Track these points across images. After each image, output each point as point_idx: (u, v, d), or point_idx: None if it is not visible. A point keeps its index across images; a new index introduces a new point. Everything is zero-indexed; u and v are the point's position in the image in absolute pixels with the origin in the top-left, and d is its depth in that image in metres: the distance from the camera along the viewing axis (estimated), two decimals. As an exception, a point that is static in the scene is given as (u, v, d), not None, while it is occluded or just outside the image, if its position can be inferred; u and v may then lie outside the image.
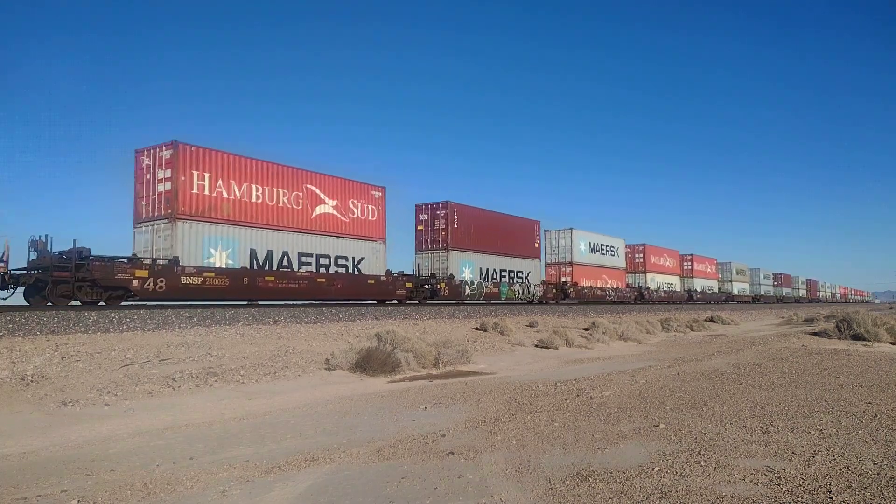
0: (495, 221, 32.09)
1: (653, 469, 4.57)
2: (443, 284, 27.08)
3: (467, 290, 28.74)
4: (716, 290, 64.34)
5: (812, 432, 5.77)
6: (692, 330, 23.86)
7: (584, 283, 39.13)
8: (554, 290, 36.25)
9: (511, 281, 32.47)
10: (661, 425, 6.10)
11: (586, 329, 19.18)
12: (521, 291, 33.02)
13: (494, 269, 31.43)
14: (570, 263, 38.58)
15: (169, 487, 4.30)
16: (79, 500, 4.03)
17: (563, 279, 37.80)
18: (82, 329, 11.01)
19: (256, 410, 7.19)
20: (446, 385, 9.21)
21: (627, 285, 46.36)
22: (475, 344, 14.17)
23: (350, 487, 4.29)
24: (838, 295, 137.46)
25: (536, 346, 15.32)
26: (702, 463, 4.73)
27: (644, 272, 50.80)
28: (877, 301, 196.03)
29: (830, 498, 3.92)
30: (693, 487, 4.14)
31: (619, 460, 4.85)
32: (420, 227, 29.18)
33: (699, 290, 59.78)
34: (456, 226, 28.73)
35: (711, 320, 29.14)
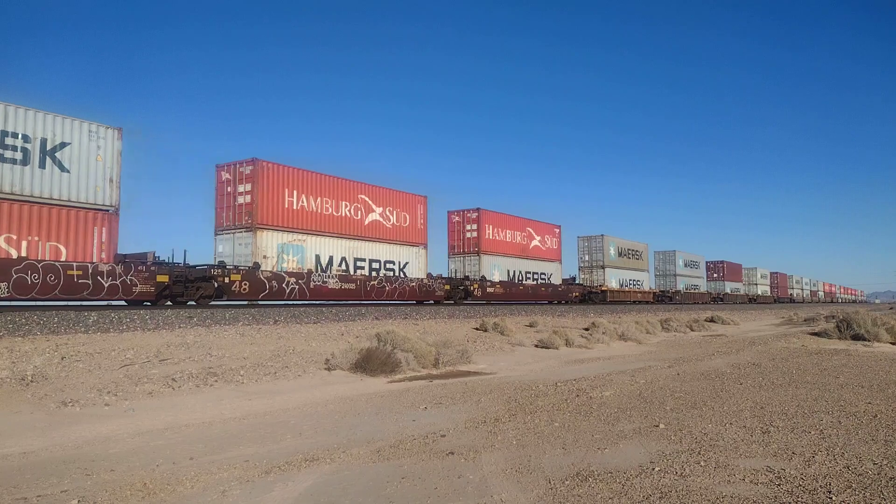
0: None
1: (653, 469, 4.57)
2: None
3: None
4: (561, 283, 38.94)
5: (812, 432, 5.77)
6: (692, 330, 23.97)
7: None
8: None
9: None
10: (662, 425, 6.10)
11: (586, 329, 19.19)
12: None
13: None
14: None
15: (169, 487, 4.30)
16: (79, 500, 4.03)
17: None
18: (82, 329, 11.02)
19: (256, 410, 7.19)
20: (446, 385, 9.21)
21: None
22: (475, 344, 14.17)
23: (350, 487, 4.29)
24: (821, 293, 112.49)
25: (536, 346, 15.32)
26: (702, 463, 4.73)
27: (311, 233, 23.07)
28: (877, 301, 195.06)
29: (830, 498, 3.92)
30: (693, 487, 4.14)
31: (619, 460, 4.85)
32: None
33: (529, 276, 34.98)
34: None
35: (712, 320, 29.38)
